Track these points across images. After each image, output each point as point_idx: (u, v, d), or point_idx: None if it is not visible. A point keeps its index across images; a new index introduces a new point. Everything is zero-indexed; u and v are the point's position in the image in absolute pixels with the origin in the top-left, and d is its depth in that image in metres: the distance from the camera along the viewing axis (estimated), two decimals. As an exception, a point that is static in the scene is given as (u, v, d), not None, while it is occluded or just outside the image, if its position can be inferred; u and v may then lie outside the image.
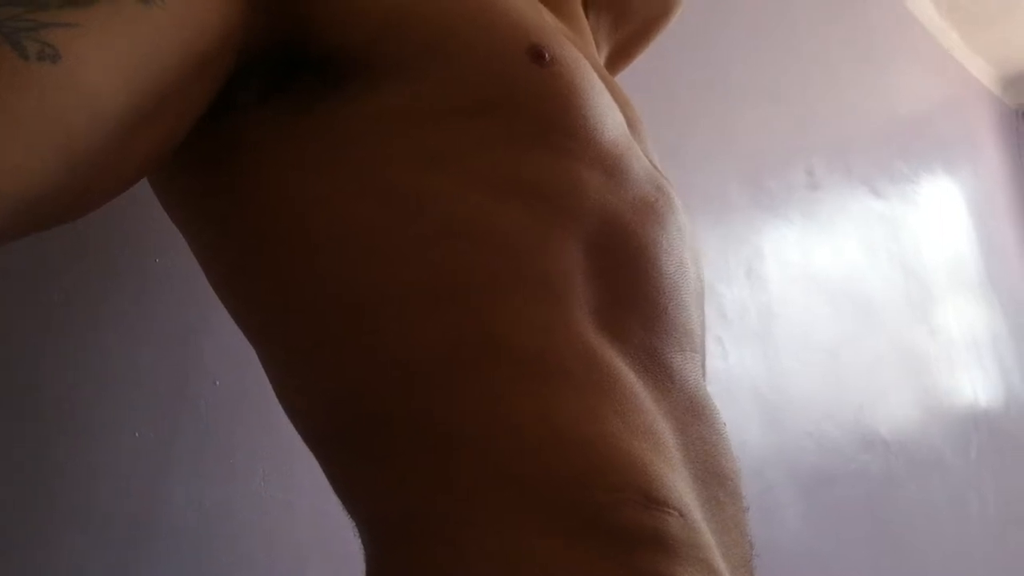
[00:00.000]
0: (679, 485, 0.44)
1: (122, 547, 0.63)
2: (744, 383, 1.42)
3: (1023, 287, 2.86)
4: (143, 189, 0.54)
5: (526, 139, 0.48)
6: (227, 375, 0.71)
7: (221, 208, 0.51)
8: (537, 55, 0.49)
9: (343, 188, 0.47)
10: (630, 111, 0.59)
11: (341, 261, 0.47)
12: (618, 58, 0.74)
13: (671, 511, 0.43)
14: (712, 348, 1.35)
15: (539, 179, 0.48)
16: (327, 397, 0.48)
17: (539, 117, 0.49)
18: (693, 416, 0.49)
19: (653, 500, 0.42)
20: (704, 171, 1.46)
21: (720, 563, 0.44)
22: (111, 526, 0.63)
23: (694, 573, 0.42)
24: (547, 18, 0.57)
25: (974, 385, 2.28)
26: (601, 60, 0.71)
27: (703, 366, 0.55)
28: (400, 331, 0.45)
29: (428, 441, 0.44)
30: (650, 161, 0.58)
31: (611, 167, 0.51)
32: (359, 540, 0.46)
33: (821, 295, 1.73)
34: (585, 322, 0.46)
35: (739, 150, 1.58)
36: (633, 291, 0.50)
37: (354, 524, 0.46)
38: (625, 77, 0.74)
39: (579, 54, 0.53)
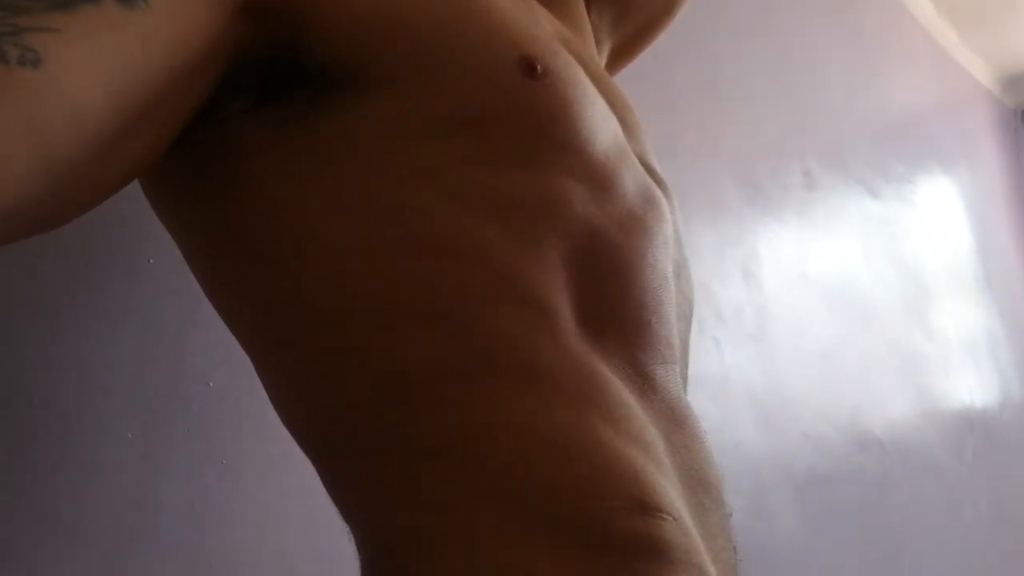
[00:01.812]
0: (670, 491, 0.45)
1: (110, 552, 0.63)
2: (740, 384, 1.42)
3: (1020, 289, 2.86)
4: (135, 188, 0.53)
5: (512, 153, 0.48)
6: (221, 377, 0.71)
7: (208, 215, 0.50)
8: (528, 67, 0.49)
9: (328, 200, 0.47)
10: (628, 115, 0.58)
11: (326, 273, 0.46)
12: (620, 56, 0.73)
13: (665, 516, 0.43)
14: (708, 349, 1.35)
15: (523, 194, 0.48)
16: (316, 406, 0.48)
17: (528, 131, 0.49)
18: (676, 425, 0.50)
19: (647, 506, 0.42)
20: (699, 171, 1.46)
21: (711, 568, 0.44)
22: (99, 530, 0.62)
23: None
24: (543, 23, 0.56)
25: (970, 387, 2.28)
26: (602, 57, 0.70)
27: (685, 377, 0.56)
28: (387, 344, 0.45)
29: (416, 453, 0.44)
30: (647, 166, 0.57)
31: (600, 181, 0.50)
32: (350, 545, 0.46)
33: (817, 296, 1.73)
34: (571, 335, 0.47)
35: (734, 150, 1.58)
36: (617, 306, 0.50)
37: (348, 530, 0.46)
38: (617, 77, 0.74)
39: (574, 62, 0.53)
